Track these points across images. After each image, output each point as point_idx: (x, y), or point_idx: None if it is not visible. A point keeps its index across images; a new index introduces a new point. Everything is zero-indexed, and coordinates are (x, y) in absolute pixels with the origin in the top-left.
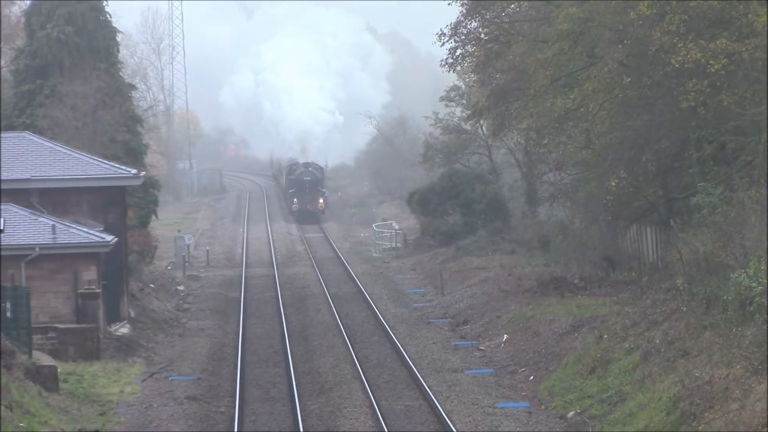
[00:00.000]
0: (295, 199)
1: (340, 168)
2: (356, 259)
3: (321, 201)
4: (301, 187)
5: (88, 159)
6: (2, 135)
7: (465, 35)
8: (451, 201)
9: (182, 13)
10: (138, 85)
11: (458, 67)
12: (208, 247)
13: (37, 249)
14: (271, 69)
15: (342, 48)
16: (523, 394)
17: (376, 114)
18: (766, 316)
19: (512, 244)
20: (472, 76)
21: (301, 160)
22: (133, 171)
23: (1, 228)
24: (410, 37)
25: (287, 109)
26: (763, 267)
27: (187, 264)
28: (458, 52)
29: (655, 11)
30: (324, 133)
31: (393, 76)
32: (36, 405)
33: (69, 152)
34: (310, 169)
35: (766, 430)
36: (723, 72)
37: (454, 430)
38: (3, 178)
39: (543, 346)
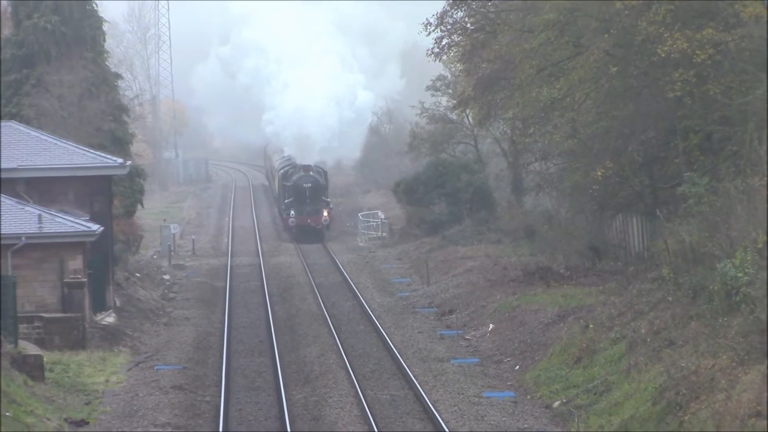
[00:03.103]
0: (292, 212)
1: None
2: (342, 248)
3: (325, 214)
4: (300, 197)
5: (74, 148)
6: None
7: (451, 25)
8: (437, 190)
9: (168, 2)
10: (124, 75)
11: (444, 57)
12: (194, 237)
13: (23, 238)
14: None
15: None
16: (508, 383)
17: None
18: (751, 306)
19: (498, 234)
20: (458, 65)
21: (300, 161)
22: (119, 160)
23: None
24: (395, 26)
25: (286, 95)
26: (749, 257)
27: (172, 253)
28: (444, 41)
29: (641, 1)
30: (330, 129)
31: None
32: (22, 394)
33: (55, 141)
34: (311, 173)
35: (752, 420)
36: (709, 62)
37: (440, 419)
38: None
39: (529, 336)
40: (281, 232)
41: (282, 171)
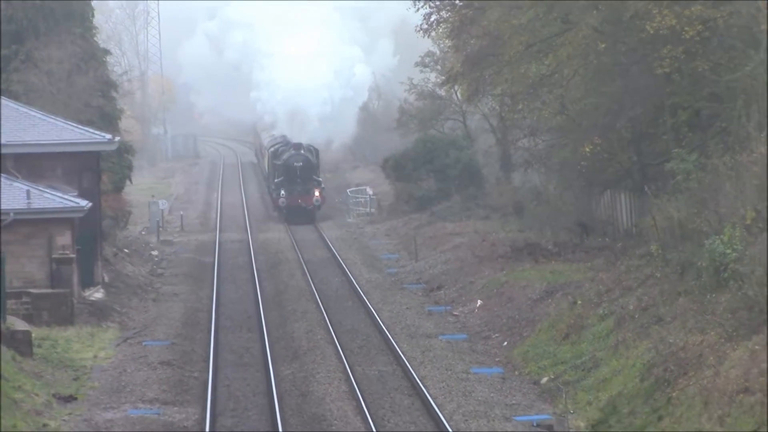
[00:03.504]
0: (283, 192)
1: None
2: (330, 225)
3: (317, 194)
4: (290, 176)
5: (62, 124)
6: None
7: (440, 1)
8: (425, 167)
9: None
10: (113, 51)
11: (433, 33)
12: (182, 212)
13: (11, 214)
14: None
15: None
16: (496, 359)
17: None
18: (739, 282)
19: (486, 210)
20: (447, 41)
21: (291, 139)
22: (108, 136)
23: None
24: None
25: (277, 71)
26: (738, 233)
27: (161, 229)
28: (433, 17)
29: None
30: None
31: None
32: (10, 370)
33: (44, 117)
34: (302, 152)
35: (740, 396)
36: (698, 38)
37: (427, 395)
38: None
39: (517, 312)
40: (270, 208)
41: (272, 149)
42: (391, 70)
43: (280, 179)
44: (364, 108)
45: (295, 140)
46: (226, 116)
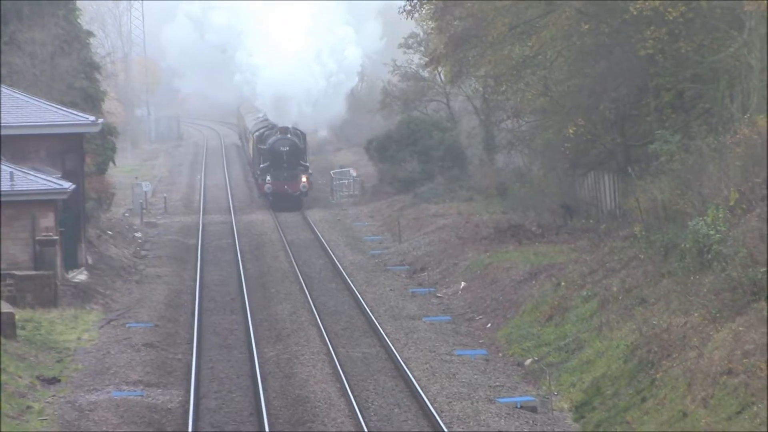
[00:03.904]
0: (268, 177)
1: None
2: (314, 206)
3: (304, 180)
4: (276, 161)
5: (46, 106)
6: None
7: None
8: (408, 148)
9: None
10: (96, 32)
11: (416, 14)
12: (165, 194)
13: None
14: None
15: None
16: (480, 341)
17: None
18: (723, 264)
19: (470, 192)
20: (430, 23)
21: (277, 122)
22: (91, 118)
23: None
24: None
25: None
26: (721, 215)
27: (144, 211)
28: None
29: None
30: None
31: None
32: None
33: (27, 99)
34: (289, 135)
35: (724, 377)
36: (681, 20)
37: (411, 377)
38: None
39: (500, 294)
40: (253, 190)
41: (257, 133)
42: (377, 52)
43: (265, 164)
44: (352, 93)
45: (281, 124)
46: (209, 99)
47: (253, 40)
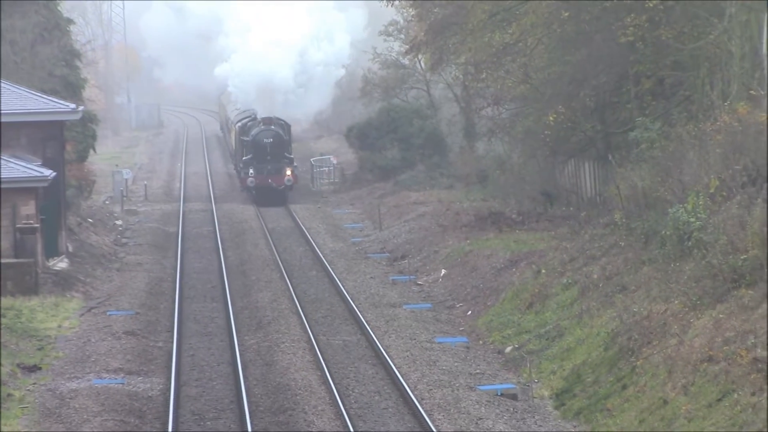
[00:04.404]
0: (251, 170)
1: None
2: (294, 194)
3: (288, 173)
4: (260, 153)
5: (26, 93)
6: None
7: None
8: (389, 136)
9: None
10: (76, 20)
11: (396, 2)
12: (146, 182)
13: None
14: None
15: None
16: (461, 329)
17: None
18: (703, 251)
19: (450, 179)
20: (411, 10)
21: (259, 113)
22: (72, 105)
23: None
24: None
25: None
26: (701, 202)
27: (125, 198)
28: None
29: None
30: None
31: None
32: None
33: (7, 87)
34: (273, 127)
35: (704, 365)
36: (661, 7)
37: (392, 365)
38: None
39: (481, 281)
40: (233, 178)
41: (239, 124)
42: (361, 41)
43: (248, 157)
44: (338, 84)
45: (264, 114)
46: (190, 87)
47: (235, 27)
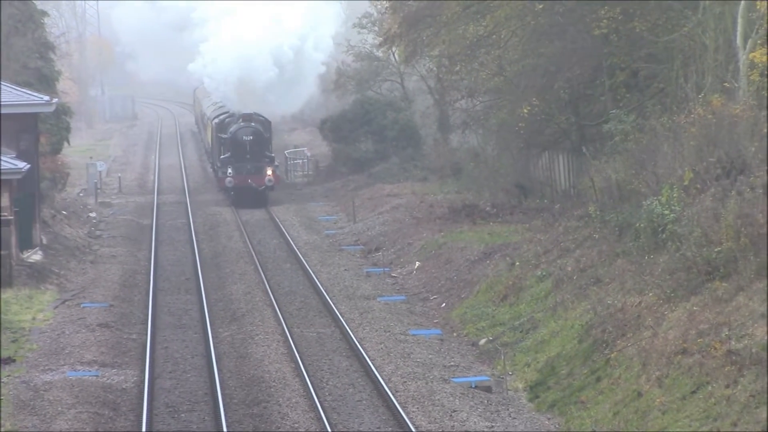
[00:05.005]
0: (230, 170)
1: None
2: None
3: (269, 173)
4: (238, 152)
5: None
6: None
7: None
8: (363, 128)
9: None
10: (50, 12)
11: None
12: (120, 174)
13: None
14: None
15: None
16: (435, 321)
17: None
18: (677, 243)
19: (424, 172)
20: (385, 2)
21: (238, 109)
22: (46, 98)
23: None
24: None
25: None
26: (675, 194)
27: (99, 191)
28: None
29: None
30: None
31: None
32: None
33: None
34: (253, 124)
35: (678, 357)
36: None
37: (366, 357)
38: None
39: (455, 274)
40: (208, 170)
41: (216, 120)
42: (337, 34)
43: (226, 156)
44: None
45: (243, 110)
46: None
47: (213, 13)
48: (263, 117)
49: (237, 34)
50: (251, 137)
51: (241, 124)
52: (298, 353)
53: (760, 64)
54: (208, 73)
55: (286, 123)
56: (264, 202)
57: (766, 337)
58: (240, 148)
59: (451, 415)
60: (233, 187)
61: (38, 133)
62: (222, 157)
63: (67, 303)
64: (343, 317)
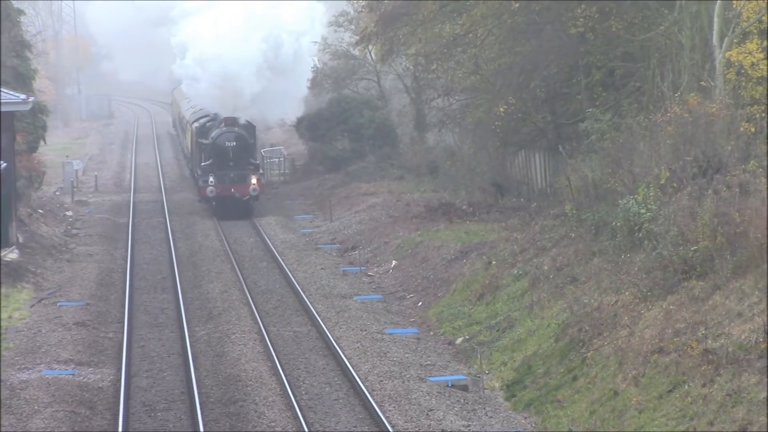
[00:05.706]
0: (212, 179)
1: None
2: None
3: (254, 181)
4: (221, 159)
5: None
6: None
7: None
8: (339, 127)
9: None
10: (26, 10)
11: None
12: (96, 173)
13: None
14: None
15: None
16: (411, 320)
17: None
18: (654, 242)
19: (401, 170)
20: (361, 1)
21: (218, 113)
22: (22, 96)
23: None
24: None
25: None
26: (652, 193)
27: (75, 189)
28: None
29: None
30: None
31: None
32: None
33: None
34: (236, 129)
35: (654, 356)
36: None
37: (342, 356)
38: None
39: (431, 272)
40: (184, 168)
41: (197, 124)
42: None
43: (207, 163)
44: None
45: (225, 114)
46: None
47: (194, 6)
48: (247, 121)
49: (220, 31)
50: (234, 143)
51: (224, 128)
52: (274, 352)
53: (736, 63)
54: (189, 74)
55: (262, 121)
56: (248, 213)
57: (742, 336)
58: (222, 154)
59: (427, 414)
60: (215, 197)
61: (14, 132)
62: (203, 164)
63: (43, 302)
64: (319, 316)
